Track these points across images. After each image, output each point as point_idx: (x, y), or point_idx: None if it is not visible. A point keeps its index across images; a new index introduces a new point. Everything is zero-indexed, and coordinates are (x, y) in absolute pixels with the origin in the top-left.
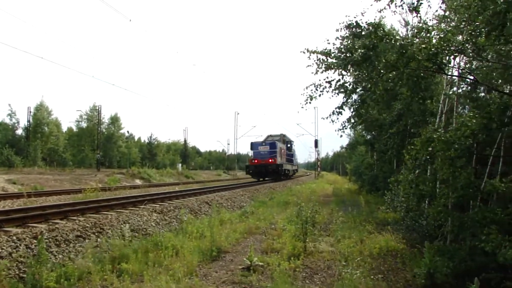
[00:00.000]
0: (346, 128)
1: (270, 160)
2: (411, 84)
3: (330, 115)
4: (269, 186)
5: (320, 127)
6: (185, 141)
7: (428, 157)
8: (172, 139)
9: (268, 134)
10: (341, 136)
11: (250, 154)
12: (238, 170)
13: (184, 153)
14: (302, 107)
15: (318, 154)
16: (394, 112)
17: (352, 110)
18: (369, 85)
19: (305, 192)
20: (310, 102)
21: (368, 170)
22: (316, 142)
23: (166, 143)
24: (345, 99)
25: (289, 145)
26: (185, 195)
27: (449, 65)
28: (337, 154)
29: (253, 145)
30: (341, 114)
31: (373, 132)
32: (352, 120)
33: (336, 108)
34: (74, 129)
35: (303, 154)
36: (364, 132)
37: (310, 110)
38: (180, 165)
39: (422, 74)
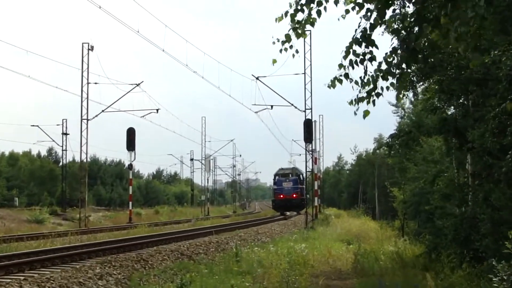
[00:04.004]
0: (377, 93)
1: (294, 195)
2: None
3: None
4: (177, 250)
5: (319, 91)
6: None
7: None
8: None
9: (280, 167)
10: (365, 116)
11: (273, 188)
12: (96, 206)
13: None
14: (286, 48)
15: (315, 161)
16: None
17: (398, 40)
18: None
19: (278, 264)
20: (302, 35)
21: (453, 204)
22: (307, 125)
23: None
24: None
25: (301, 178)
26: None
27: None
28: (364, 159)
29: (278, 181)
30: (365, 60)
31: (461, 100)
32: (396, 71)
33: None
34: None
35: (272, 157)
36: (437, 99)
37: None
38: None
39: None
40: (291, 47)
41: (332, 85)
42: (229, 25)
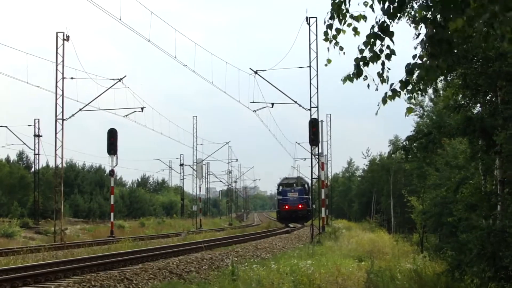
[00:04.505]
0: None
1: (300, 206)
2: None
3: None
4: (165, 268)
5: (327, 87)
6: None
7: None
8: None
9: (284, 177)
10: (407, 114)
11: (277, 198)
12: (73, 218)
13: None
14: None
15: (322, 166)
16: None
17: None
18: None
19: (280, 284)
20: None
21: (479, 216)
22: (313, 125)
23: None
24: None
25: (307, 188)
26: None
27: None
28: (378, 165)
29: (283, 192)
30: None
31: (488, 96)
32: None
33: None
34: None
35: (273, 161)
36: (461, 96)
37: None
38: None
39: None
40: (336, 43)
41: (345, 80)
42: (224, 12)
